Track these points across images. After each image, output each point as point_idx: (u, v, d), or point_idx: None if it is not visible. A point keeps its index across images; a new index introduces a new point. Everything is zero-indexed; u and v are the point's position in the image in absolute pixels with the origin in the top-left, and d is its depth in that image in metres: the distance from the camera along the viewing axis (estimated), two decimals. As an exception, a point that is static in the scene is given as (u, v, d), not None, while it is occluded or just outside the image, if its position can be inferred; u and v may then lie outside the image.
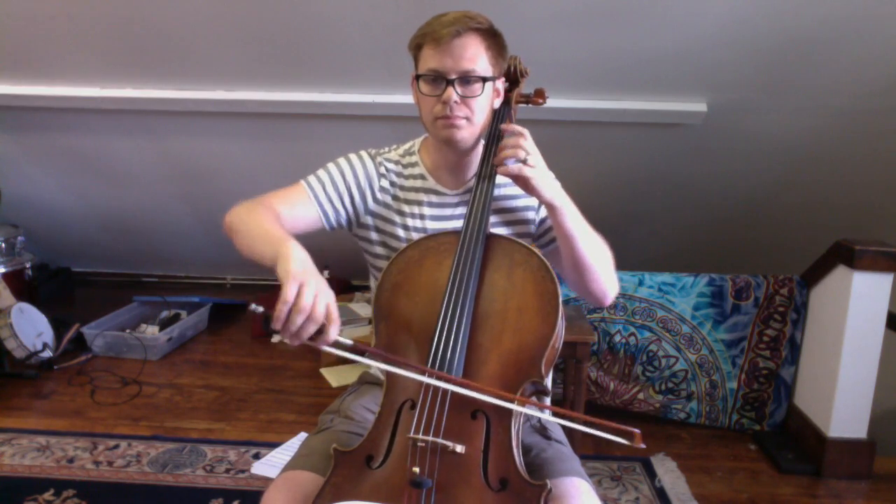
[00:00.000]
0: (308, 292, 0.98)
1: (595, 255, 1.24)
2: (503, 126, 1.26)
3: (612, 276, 1.28)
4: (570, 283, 1.31)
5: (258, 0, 2.34)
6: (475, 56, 1.20)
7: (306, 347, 1.04)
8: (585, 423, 1.09)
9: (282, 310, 0.97)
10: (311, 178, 1.33)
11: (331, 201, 1.32)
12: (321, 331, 1.01)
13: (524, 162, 1.19)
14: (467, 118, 1.23)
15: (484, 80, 1.22)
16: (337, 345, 1.03)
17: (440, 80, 1.21)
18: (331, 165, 1.35)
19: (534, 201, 1.35)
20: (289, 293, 0.98)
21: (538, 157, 1.21)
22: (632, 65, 2.48)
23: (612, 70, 2.52)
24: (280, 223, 1.19)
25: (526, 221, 1.37)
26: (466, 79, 1.21)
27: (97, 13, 2.44)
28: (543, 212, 1.34)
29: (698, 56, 2.40)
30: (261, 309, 1.02)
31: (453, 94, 1.20)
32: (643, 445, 1.05)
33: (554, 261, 1.32)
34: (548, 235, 1.36)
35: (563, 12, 2.27)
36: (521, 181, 1.20)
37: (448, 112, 1.21)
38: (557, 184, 1.27)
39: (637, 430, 1.04)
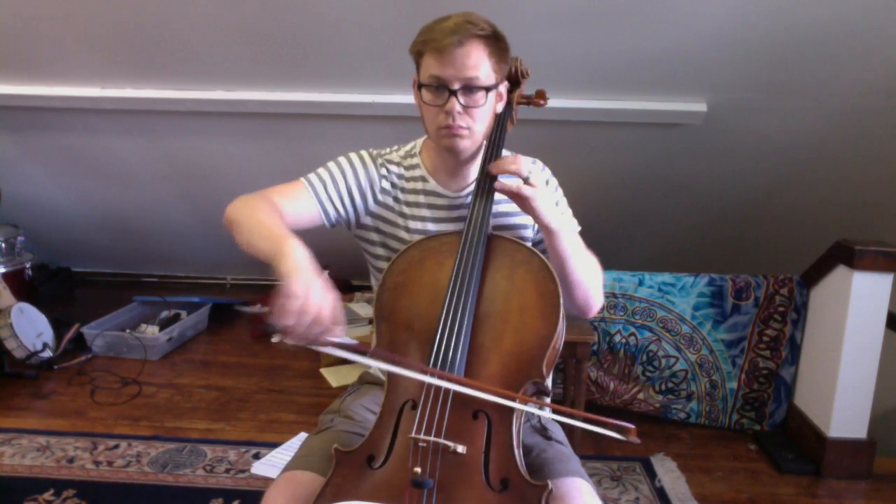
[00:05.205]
0: (315, 292, 0.97)
1: (585, 274, 1.25)
2: (489, 166, 1.24)
3: (599, 292, 1.29)
4: None
5: (258, 0, 2.34)
6: (478, 64, 1.17)
7: (305, 348, 1.02)
8: (584, 420, 1.10)
9: (290, 306, 0.95)
10: (312, 176, 1.32)
11: (331, 200, 1.31)
12: (324, 331, 0.98)
13: (526, 180, 1.18)
14: (469, 128, 1.21)
15: (487, 89, 1.20)
16: (341, 346, 1.02)
17: (442, 89, 1.19)
18: (332, 164, 1.34)
19: (530, 220, 1.33)
20: (296, 290, 0.96)
21: (539, 179, 1.21)
22: (632, 65, 2.48)
23: (611, 70, 2.52)
24: (281, 219, 1.17)
25: (522, 239, 1.35)
26: (469, 88, 1.18)
27: (97, 13, 2.44)
28: None
29: (698, 56, 2.40)
30: (261, 308, 1.01)
31: (456, 104, 1.18)
32: (638, 441, 1.07)
33: None
34: (542, 244, 1.34)
35: (562, 12, 2.27)
36: (520, 200, 1.18)
37: (451, 122, 1.20)
38: (559, 208, 1.27)
39: (632, 426, 1.05)
